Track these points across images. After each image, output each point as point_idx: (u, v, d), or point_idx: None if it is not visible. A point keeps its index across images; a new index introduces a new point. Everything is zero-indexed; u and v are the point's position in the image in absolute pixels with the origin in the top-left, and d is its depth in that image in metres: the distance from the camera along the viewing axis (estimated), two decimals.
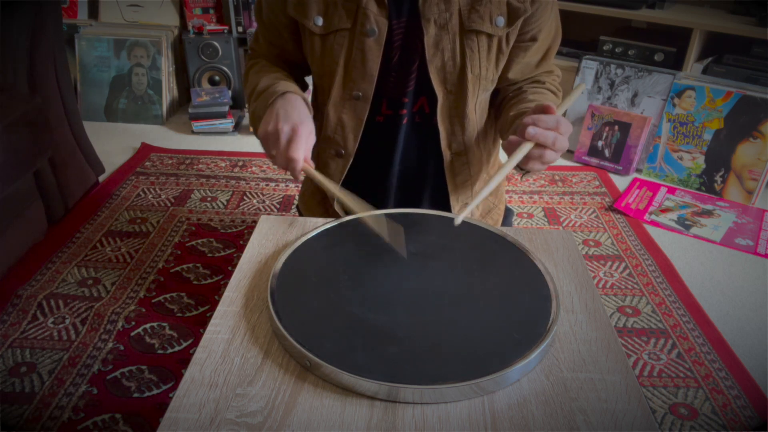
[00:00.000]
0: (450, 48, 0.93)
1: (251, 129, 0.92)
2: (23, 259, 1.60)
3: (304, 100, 0.93)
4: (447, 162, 1.02)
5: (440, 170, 1.04)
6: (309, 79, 1.11)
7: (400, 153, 1.04)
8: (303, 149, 0.83)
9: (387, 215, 0.86)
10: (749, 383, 1.28)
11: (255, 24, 2.30)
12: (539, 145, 0.80)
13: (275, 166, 0.88)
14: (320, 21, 0.93)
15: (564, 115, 0.99)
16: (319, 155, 1.07)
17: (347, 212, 0.87)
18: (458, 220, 0.77)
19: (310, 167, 0.86)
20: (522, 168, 0.87)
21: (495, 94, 1.06)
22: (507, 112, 0.98)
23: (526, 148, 0.80)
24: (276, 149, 0.85)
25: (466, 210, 0.77)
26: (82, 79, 2.54)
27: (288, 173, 0.86)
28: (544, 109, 0.81)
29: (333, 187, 0.85)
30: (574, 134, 2.35)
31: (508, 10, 0.91)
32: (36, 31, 1.63)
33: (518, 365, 0.61)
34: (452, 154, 1.02)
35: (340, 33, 0.94)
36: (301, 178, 0.86)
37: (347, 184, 1.06)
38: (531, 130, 0.79)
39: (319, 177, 0.86)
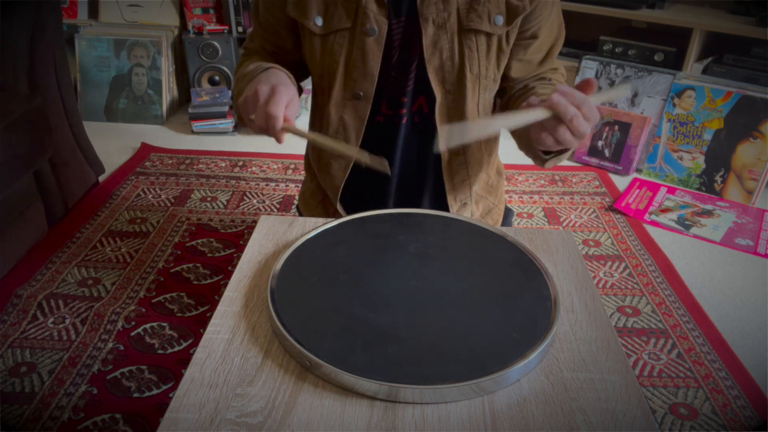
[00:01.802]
0: (448, 47, 0.93)
1: (236, 108, 0.87)
2: (23, 259, 1.60)
3: (288, 76, 0.90)
4: (445, 162, 1.02)
5: (440, 170, 1.04)
6: (305, 83, 1.11)
7: (399, 153, 1.04)
8: (282, 106, 0.77)
9: (386, 215, 0.86)
10: (749, 383, 1.28)
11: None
12: (556, 117, 0.75)
13: (255, 132, 0.82)
14: (320, 21, 0.93)
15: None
16: (321, 155, 1.07)
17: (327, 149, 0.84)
18: (442, 147, 0.74)
19: (291, 125, 0.79)
20: (538, 148, 0.84)
21: (501, 95, 1.06)
22: (516, 106, 0.97)
23: (539, 113, 0.75)
24: (254, 111, 0.80)
25: (452, 130, 0.75)
26: (82, 79, 2.54)
27: (269, 135, 0.80)
28: (583, 84, 0.76)
29: (321, 139, 0.82)
30: None
31: (506, 8, 0.91)
32: (36, 31, 1.63)
33: (518, 365, 0.61)
34: (450, 154, 1.02)
35: (340, 33, 0.93)
36: (283, 138, 0.79)
37: (348, 185, 1.06)
38: (555, 97, 0.73)
39: (303, 132, 0.80)
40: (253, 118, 0.80)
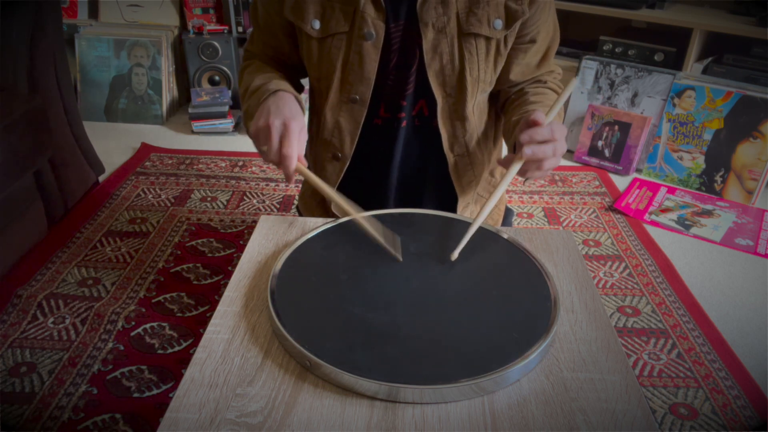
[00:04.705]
0: (448, 51, 0.93)
1: (246, 127, 0.90)
2: (23, 259, 1.60)
3: (297, 98, 0.92)
4: (451, 164, 1.02)
5: (441, 173, 1.04)
6: (305, 81, 1.11)
7: (399, 156, 1.04)
8: (296, 146, 0.81)
9: (386, 215, 0.86)
10: (749, 383, 1.28)
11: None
12: (537, 161, 0.81)
13: (266, 163, 0.86)
14: (317, 24, 0.93)
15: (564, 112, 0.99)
16: (316, 158, 1.07)
17: (343, 214, 0.87)
18: (455, 256, 0.77)
19: (304, 166, 0.83)
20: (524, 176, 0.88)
21: (497, 96, 1.06)
22: (510, 116, 0.98)
23: (518, 165, 0.82)
24: (268, 145, 0.83)
25: (460, 245, 0.78)
26: (82, 79, 2.54)
27: (280, 171, 0.84)
28: (533, 123, 0.81)
29: (327, 189, 0.84)
30: (574, 134, 2.35)
31: (506, 12, 0.91)
32: (36, 31, 1.63)
33: (518, 365, 0.61)
34: (455, 157, 1.02)
35: (337, 36, 0.93)
36: (294, 178, 0.83)
37: (347, 187, 1.06)
38: (527, 150, 0.80)
39: (314, 177, 0.84)
40: (265, 150, 0.83)
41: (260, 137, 0.84)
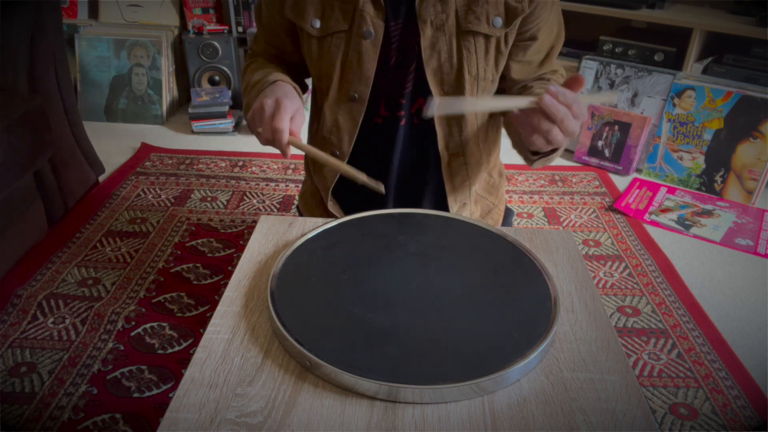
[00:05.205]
0: (446, 49, 0.93)
1: (246, 122, 0.91)
2: (23, 259, 1.60)
3: (295, 88, 0.92)
4: (444, 163, 1.02)
5: (439, 171, 1.04)
6: (308, 81, 1.12)
7: (398, 154, 1.04)
8: (287, 120, 0.80)
9: (386, 215, 0.87)
10: (749, 383, 1.28)
11: (255, 24, 2.31)
12: (548, 119, 0.76)
13: (264, 145, 0.86)
14: (317, 23, 0.94)
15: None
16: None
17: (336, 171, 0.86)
18: (432, 111, 0.76)
19: (297, 139, 0.83)
20: (530, 151, 0.86)
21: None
22: None
23: (528, 100, 0.77)
24: (261, 124, 0.83)
25: (444, 103, 0.78)
26: (82, 79, 2.54)
27: (277, 150, 0.83)
28: (572, 81, 0.77)
29: (321, 154, 0.84)
30: None
31: (505, 10, 0.91)
32: (36, 31, 1.63)
33: (518, 365, 0.61)
34: (449, 155, 1.02)
35: (337, 35, 0.94)
36: (289, 152, 0.83)
37: (346, 186, 1.06)
38: (546, 98, 0.74)
39: (308, 147, 0.84)
40: (260, 131, 0.83)
41: (255, 119, 0.85)
